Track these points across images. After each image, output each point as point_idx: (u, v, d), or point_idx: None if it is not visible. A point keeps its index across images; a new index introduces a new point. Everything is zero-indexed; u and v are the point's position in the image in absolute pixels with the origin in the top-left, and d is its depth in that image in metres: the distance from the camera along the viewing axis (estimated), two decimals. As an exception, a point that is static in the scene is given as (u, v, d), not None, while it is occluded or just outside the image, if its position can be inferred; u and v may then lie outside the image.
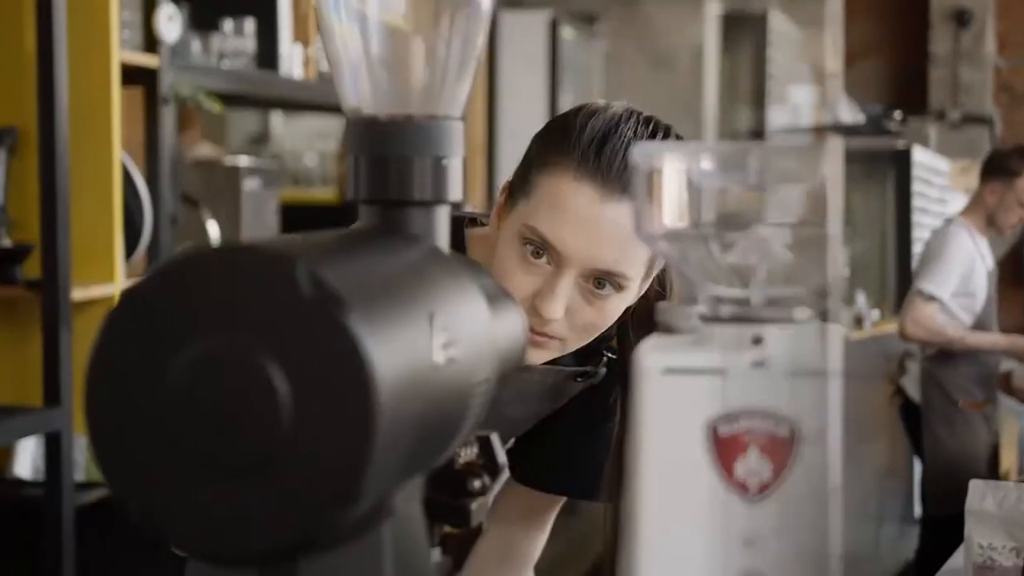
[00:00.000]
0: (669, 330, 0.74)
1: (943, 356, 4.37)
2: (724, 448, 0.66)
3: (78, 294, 2.38)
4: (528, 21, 4.99)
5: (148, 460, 0.61)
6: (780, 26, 7.54)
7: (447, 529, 0.87)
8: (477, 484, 0.84)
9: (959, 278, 4.27)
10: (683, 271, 0.71)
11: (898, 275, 7.15)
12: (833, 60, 6.25)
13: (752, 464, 0.66)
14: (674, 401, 0.67)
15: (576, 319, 1.27)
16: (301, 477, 0.59)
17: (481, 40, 0.80)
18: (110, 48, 2.45)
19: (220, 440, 0.59)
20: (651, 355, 0.67)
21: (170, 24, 2.64)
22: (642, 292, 1.33)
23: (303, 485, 0.59)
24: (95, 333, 0.62)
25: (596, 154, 1.24)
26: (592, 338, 1.32)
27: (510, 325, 0.82)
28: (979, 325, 4.32)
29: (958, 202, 7.88)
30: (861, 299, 6.71)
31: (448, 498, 0.84)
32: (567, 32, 5.03)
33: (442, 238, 0.78)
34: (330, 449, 0.59)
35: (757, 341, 0.67)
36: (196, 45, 2.92)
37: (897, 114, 6.98)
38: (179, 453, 0.60)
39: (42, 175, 2.31)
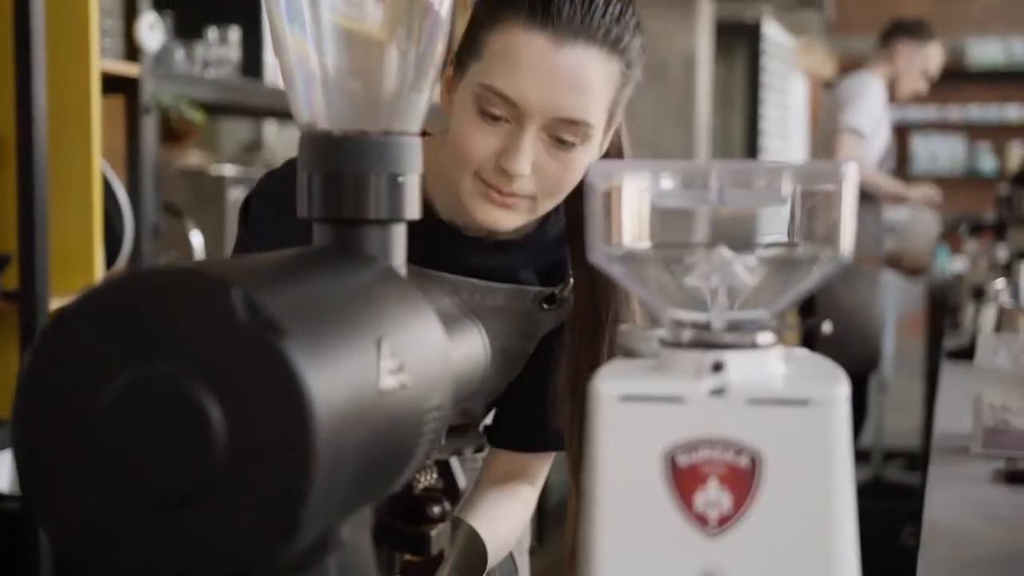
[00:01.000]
0: (630, 354, 0.72)
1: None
2: (683, 479, 0.64)
3: (57, 305, 2.35)
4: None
5: (77, 490, 0.58)
6: (774, 34, 7.53)
7: (407, 557, 0.84)
8: (436, 510, 0.81)
9: (874, 120, 4.26)
10: (642, 294, 0.68)
11: (746, 151, 7.17)
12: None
13: (712, 495, 0.64)
14: (631, 429, 0.64)
15: (543, 176, 1.26)
16: (237, 510, 0.57)
17: (440, 51, 0.77)
18: (90, 57, 2.42)
19: (152, 471, 0.57)
20: (608, 381, 0.65)
21: (152, 33, 2.61)
22: (604, 148, 1.33)
23: (239, 518, 0.57)
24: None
25: (544, 1, 1.23)
26: (560, 198, 1.30)
27: (468, 346, 0.79)
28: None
29: (797, 83, 7.86)
30: None
31: (407, 525, 0.81)
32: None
33: (398, 257, 0.75)
34: (267, 481, 0.56)
35: (717, 368, 0.64)
36: (180, 53, 2.90)
37: None
38: (110, 483, 0.58)
39: (20, 184, 2.28)
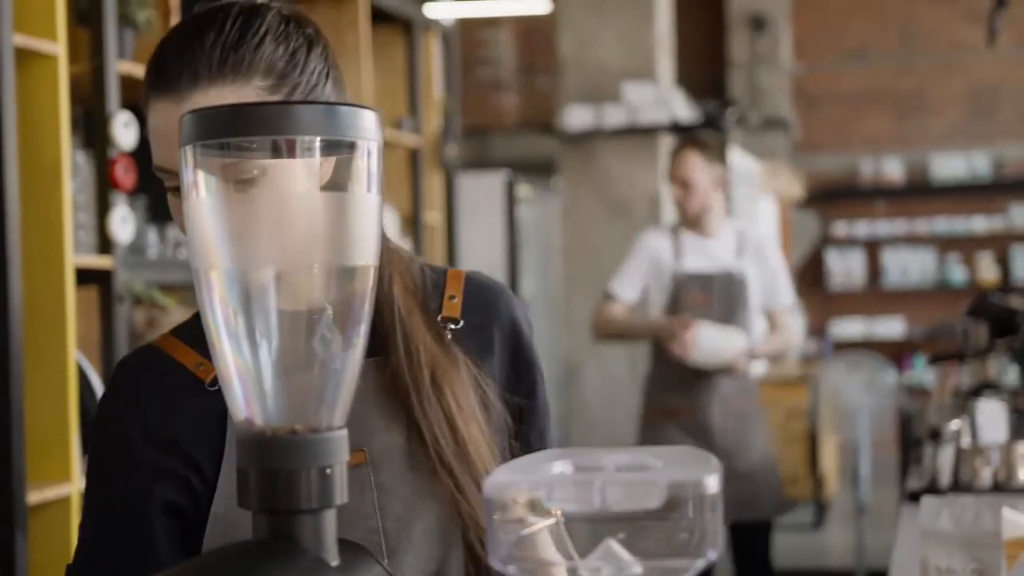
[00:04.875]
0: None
1: (652, 366, 4.30)
2: None
3: (34, 497, 2.41)
4: (487, 182, 5.13)
5: None
6: (739, 161, 7.70)
7: None
8: None
9: (642, 278, 4.26)
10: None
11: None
12: (664, 57, 6.14)
13: None
14: None
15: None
16: None
17: (358, 357, 0.86)
18: (64, 252, 2.51)
19: None
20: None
21: (124, 226, 2.71)
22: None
23: None
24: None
25: (158, 67, 1.24)
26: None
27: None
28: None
29: (767, 203, 8.09)
30: None
31: None
32: (523, 190, 5.16)
33: (328, 540, 0.83)
34: None
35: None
36: (152, 237, 3.00)
37: (731, 112, 6.96)
38: None
39: (-4, 380, 2.35)
